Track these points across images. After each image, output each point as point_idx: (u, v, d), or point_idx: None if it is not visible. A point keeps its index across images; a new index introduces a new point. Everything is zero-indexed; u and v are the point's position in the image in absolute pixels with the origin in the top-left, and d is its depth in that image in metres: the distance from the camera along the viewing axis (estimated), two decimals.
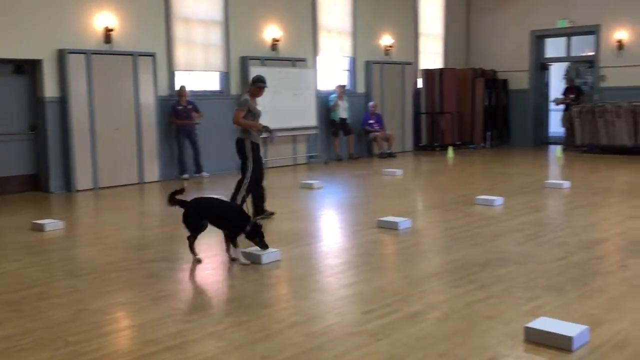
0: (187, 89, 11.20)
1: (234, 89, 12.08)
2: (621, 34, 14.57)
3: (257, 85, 7.16)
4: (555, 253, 5.55)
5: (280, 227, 7.02)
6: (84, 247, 6.35)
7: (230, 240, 5.48)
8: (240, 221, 5.45)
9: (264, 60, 12.29)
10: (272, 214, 7.51)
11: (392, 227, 6.65)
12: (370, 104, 14.09)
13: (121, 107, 10.46)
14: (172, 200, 5.44)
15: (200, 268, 5.45)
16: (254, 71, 11.87)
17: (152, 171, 10.84)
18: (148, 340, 3.71)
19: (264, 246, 5.45)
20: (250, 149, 7.15)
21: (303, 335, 3.73)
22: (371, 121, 14.12)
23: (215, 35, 11.76)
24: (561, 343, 3.47)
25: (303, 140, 13.09)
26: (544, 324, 3.63)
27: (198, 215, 5.47)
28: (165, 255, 5.82)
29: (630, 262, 5.23)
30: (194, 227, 5.48)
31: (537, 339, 3.54)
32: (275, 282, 4.98)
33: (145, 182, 10.71)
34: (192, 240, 5.53)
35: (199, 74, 11.84)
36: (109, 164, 10.33)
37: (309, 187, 9.69)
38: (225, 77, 11.99)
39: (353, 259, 5.63)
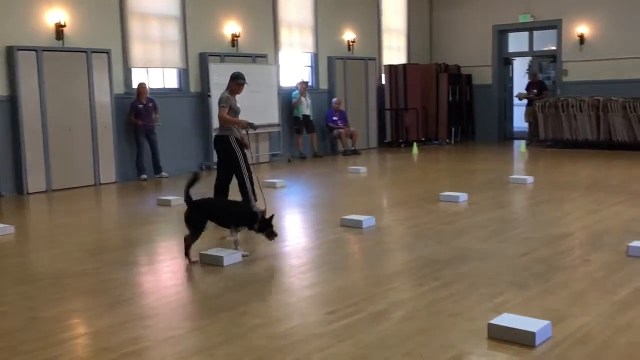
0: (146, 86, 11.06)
1: (193, 86, 11.98)
2: (582, 29, 14.88)
3: (237, 82, 7.23)
4: (519, 249, 5.64)
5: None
6: (37, 253, 6.22)
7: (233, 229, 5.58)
8: (248, 219, 5.56)
9: (223, 57, 12.21)
10: None
11: (355, 225, 6.67)
12: (334, 100, 14.11)
13: (74, 106, 10.27)
14: (187, 193, 5.43)
15: (157, 271, 5.39)
16: (214, 68, 11.80)
17: (109, 172, 10.68)
18: (103, 347, 3.65)
19: (273, 235, 5.59)
20: (236, 144, 7.19)
21: (264, 338, 3.72)
22: (335, 118, 14.15)
23: (173, 31, 11.64)
24: (524, 339, 3.52)
25: (265, 138, 13.04)
26: (507, 320, 3.69)
27: (201, 217, 5.48)
28: (122, 259, 5.73)
29: (592, 257, 5.34)
30: (196, 228, 5.44)
31: (500, 336, 3.59)
32: (236, 284, 4.94)
33: (102, 184, 10.54)
34: (189, 242, 5.43)
35: (156, 71, 11.70)
36: (62, 166, 10.13)
37: (272, 186, 9.67)
38: (183, 74, 11.87)
39: (316, 259, 5.64)
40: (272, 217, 5.72)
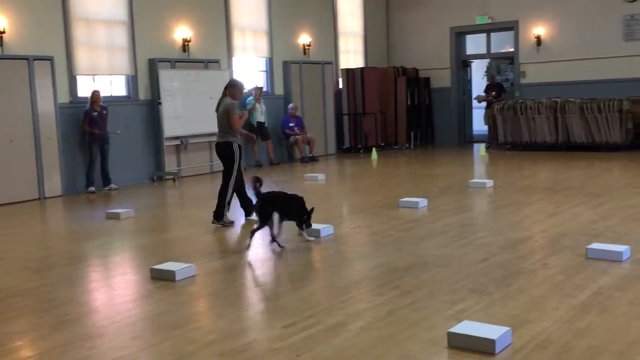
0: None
1: (143, 94, 11.84)
2: (539, 30, 15.23)
3: (232, 88, 7.53)
4: (479, 254, 5.72)
5: (195, 240, 6.94)
6: None
7: (302, 225, 6.34)
8: (303, 212, 6.32)
9: (174, 63, 12.11)
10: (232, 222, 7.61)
11: (315, 234, 6.66)
12: (290, 106, 14.12)
13: (16, 116, 10.04)
14: (257, 189, 6.21)
15: (105, 288, 5.30)
16: (164, 74, 11.69)
17: (54, 185, 10.46)
18: None
19: (309, 225, 6.36)
20: (238, 152, 7.52)
21: (218, 356, 3.68)
22: (291, 124, 14.16)
23: (120, 37, 11.50)
24: (484, 346, 3.57)
25: None
26: (467, 328, 3.73)
27: (270, 208, 6.17)
28: (68, 276, 5.62)
29: (551, 260, 5.44)
30: (265, 219, 6.14)
31: (460, 344, 3.63)
32: (188, 299, 4.89)
33: (47, 198, 10.32)
34: (255, 231, 6.20)
35: (103, 78, 11.53)
36: (3, 179, 9.89)
37: None
38: (132, 81, 11.73)
39: (272, 270, 5.63)
40: (312, 210, 6.46)
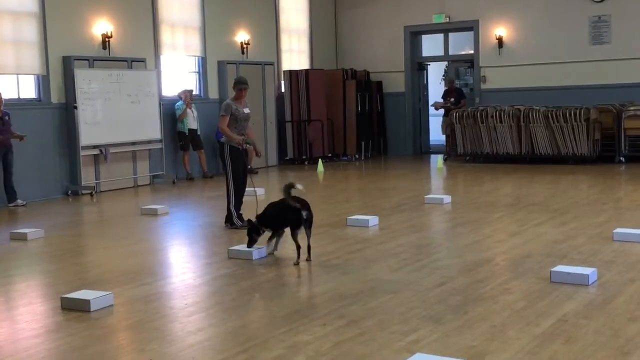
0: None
1: (56, 96, 11.60)
2: (500, 31, 15.59)
3: (238, 87, 8.04)
4: (434, 278, 5.78)
5: (113, 264, 6.83)
6: None
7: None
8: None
9: (92, 61, 11.93)
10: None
11: (247, 257, 6.66)
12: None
13: None
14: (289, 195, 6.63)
15: (10, 320, 5.14)
16: (81, 74, 11.50)
17: None
18: None
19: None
20: (228, 153, 8.02)
21: None
22: None
23: (30, 31, 11.25)
24: None
25: (145, 156, 12.80)
26: None
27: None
28: None
29: (512, 285, 5.54)
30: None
31: None
32: (105, 332, 4.79)
33: None
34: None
35: (8, 78, 11.25)
36: None
37: (152, 213, 9.50)
38: (43, 82, 11.49)
39: (202, 299, 5.57)
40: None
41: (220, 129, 8.05)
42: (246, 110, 8.12)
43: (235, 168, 8.15)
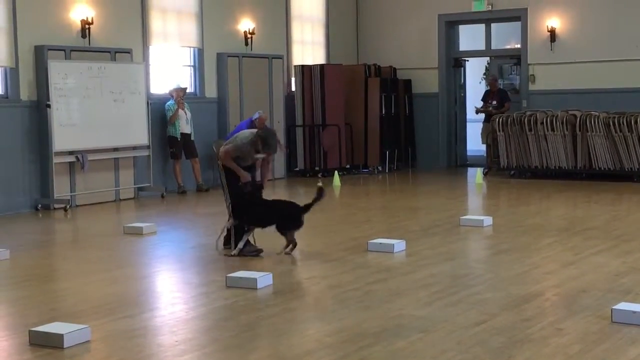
0: None
1: (25, 93, 11.68)
2: (553, 22, 15.58)
3: (266, 149, 7.98)
4: (472, 316, 5.76)
5: (91, 293, 6.83)
6: None
7: None
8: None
9: (70, 51, 12.01)
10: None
11: (250, 285, 6.65)
12: (257, 115, 13.06)
13: None
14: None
15: None
16: (55, 66, 11.57)
17: None
18: None
19: None
20: (225, 173, 8.12)
21: None
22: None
23: None
24: None
25: (129, 165, 12.84)
26: None
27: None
28: None
29: (566, 325, 5.51)
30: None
31: None
32: None
33: None
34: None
35: None
36: None
37: (137, 232, 9.52)
38: (11, 75, 11.58)
39: (196, 335, 5.56)
40: None
41: (221, 158, 8.13)
42: (257, 156, 8.11)
43: (234, 181, 8.13)
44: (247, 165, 8.12)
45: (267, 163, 8.50)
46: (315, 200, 7.98)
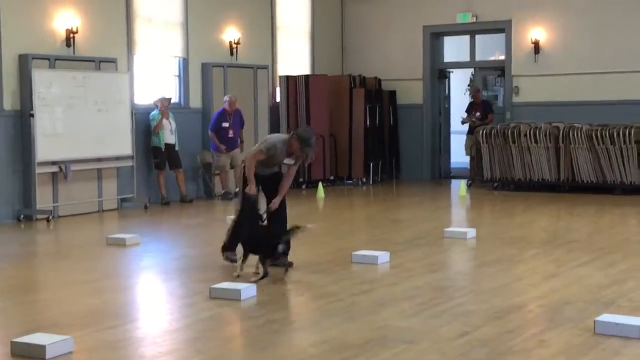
0: None
1: (8, 102, 11.61)
2: (537, 34, 15.67)
3: (305, 148, 7.67)
4: (456, 327, 5.79)
5: (74, 304, 6.82)
6: None
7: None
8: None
9: (54, 60, 11.96)
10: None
11: (234, 297, 6.65)
12: (227, 98, 13.69)
13: None
14: None
15: None
16: (40, 76, 11.52)
17: None
18: None
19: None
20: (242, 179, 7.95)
21: None
22: (225, 124, 13.80)
23: None
24: None
25: (112, 175, 12.80)
26: None
27: None
28: None
29: (549, 336, 5.56)
30: None
31: None
32: None
33: None
34: None
35: None
36: None
37: (120, 243, 9.49)
38: None
39: (180, 347, 5.56)
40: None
41: (247, 162, 7.81)
42: (287, 161, 7.87)
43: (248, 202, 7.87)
44: (269, 174, 7.93)
45: (290, 175, 8.09)
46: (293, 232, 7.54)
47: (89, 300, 6.90)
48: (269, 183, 8.01)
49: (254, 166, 7.76)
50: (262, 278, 7.27)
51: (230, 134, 13.82)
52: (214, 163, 14.07)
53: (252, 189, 7.74)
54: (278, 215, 7.97)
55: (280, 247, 7.29)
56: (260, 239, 7.52)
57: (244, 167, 7.87)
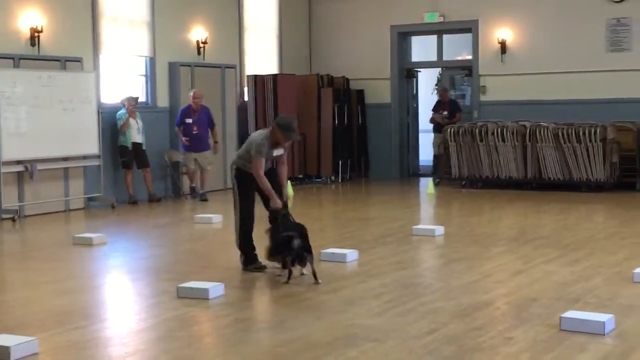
0: None
1: None
2: (503, 33, 15.77)
3: (287, 135, 7.64)
4: (423, 325, 5.80)
5: (39, 304, 6.76)
6: None
7: None
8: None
9: (18, 59, 11.86)
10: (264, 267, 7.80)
11: (202, 296, 6.63)
12: (193, 92, 13.61)
13: None
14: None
15: None
16: (4, 75, 11.41)
17: None
18: None
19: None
20: (235, 177, 7.87)
21: None
22: (189, 120, 13.72)
23: None
24: None
25: (79, 175, 12.71)
26: None
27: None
28: None
29: (516, 333, 5.59)
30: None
31: None
32: None
33: None
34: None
35: None
36: None
37: (87, 243, 9.42)
38: None
39: (147, 346, 5.54)
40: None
41: (256, 175, 7.56)
42: (277, 152, 7.77)
43: (244, 196, 7.83)
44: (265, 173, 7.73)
45: (284, 163, 8.03)
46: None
47: (55, 301, 6.85)
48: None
49: (263, 175, 7.57)
50: (287, 280, 7.16)
51: (195, 130, 13.62)
52: (181, 162, 14.03)
53: (276, 202, 7.58)
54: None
55: (295, 242, 7.09)
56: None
57: (259, 179, 7.61)
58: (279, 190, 7.77)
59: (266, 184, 7.56)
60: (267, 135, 7.71)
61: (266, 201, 7.76)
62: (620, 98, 14.65)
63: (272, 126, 7.76)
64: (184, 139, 13.59)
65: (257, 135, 7.86)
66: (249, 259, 7.83)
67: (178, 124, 13.72)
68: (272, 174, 7.91)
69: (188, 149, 13.72)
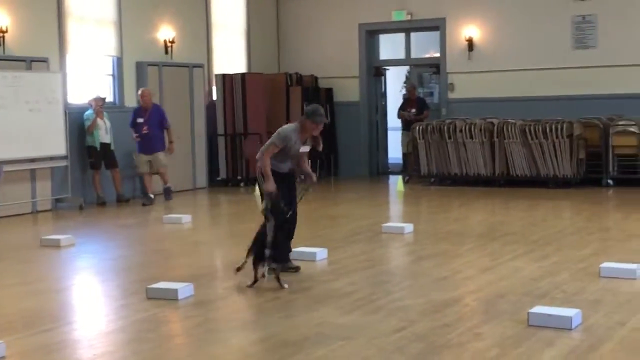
0: None
1: None
2: (471, 31, 15.87)
3: (313, 120, 7.50)
4: (393, 322, 5.83)
5: (6, 307, 6.70)
6: None
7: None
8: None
9: None
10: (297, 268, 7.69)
11: (171, 296, 6.62)
12: (141, 91, 13.48)
13: None
14: None
15: None
16: None
17: None
18: None
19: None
20: (260, 180, 7.64)
21: None
22: (140, 119, 13.54)
23: None
24: None
25: (46, 176, 12.61)
26: None
27: None
28: None
29: (484, 329, 5.64)
30: None
31: None
32: None
33: None
34: None
35: None
36: None
37: (54, 244, 9.37)
38: None
39: (116, 348, 5.52)
40: None
41: (260, 157, 7.50)
42: (303, 149, 7.64)
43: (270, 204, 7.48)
44: (284, 173, 7.65)
45: (304, 162, 7.87)
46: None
47: (21, 303, 6.80)
48: (283, 185, 7.61)
49: (269, 163, 7.46)
50: (253, 284, 7.03)
51: (145, 130, 13.19)
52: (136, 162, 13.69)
53: (271, 185, 7.42)
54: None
55: (267, 252, 6.98)
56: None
57: (259, 166, 7.54)
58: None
59: (267, 167, 7.43)
60: (296, 128, 7.58)
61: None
62: (586, 95, 14.79)
63: (302, 118, 7.66)
64: (134, 135, 13.30)
65: (288, 127, 7.69)
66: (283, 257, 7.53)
67: (131, 124, 13.39)
68: (290, 180, 7.85)
69: (140, 150, 13.39)
